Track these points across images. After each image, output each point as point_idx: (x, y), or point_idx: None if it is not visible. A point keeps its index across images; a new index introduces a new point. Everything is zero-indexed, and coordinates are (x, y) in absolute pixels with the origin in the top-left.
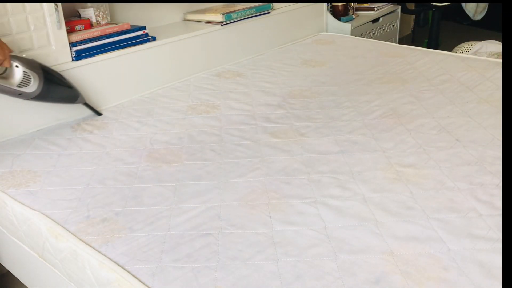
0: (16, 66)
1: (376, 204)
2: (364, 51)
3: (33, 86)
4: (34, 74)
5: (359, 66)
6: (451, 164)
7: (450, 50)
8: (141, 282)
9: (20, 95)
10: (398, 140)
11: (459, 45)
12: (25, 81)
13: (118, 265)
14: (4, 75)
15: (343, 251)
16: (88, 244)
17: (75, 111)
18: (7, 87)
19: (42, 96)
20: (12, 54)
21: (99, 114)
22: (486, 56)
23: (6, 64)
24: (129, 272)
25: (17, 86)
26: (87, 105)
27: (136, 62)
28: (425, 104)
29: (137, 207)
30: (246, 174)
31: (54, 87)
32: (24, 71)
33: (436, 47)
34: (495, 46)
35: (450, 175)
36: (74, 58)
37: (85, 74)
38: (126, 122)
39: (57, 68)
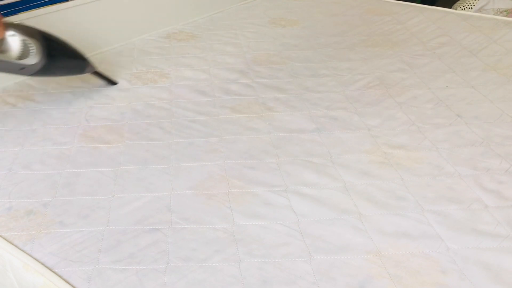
0: (12, 35)
1: (359, 193)
2: (346, 7)
3: (36, 56)
4: (35, 41)
5: (339, 26)
6: (451, 145)
7: (450, 6)
8: (74, 287)
9: (23, 69)
10: (386, 115)
11: (461, 0)
12: (25, 52)
13: (47, 267)
14: (0, 49)
15: (319, 250)
16: (10, 242)
17: None
18: (6, 61)
19: (46, 68)
20: (4, 20)
21: (114, 83)
22: (494, 14)
23: (0, 35)
24: (60, 276)
25: (17, 59)
26: (98, 73)
27: (68, 21)
28: (419, 72)
29: (70, 197)
30: (201, 157)
31: (59, 56)
32: (22, 40)
33: (432, 2)
34: (505, 1)
35: (449, 159)
36: None
37: None
38: (57, 94)
39: None
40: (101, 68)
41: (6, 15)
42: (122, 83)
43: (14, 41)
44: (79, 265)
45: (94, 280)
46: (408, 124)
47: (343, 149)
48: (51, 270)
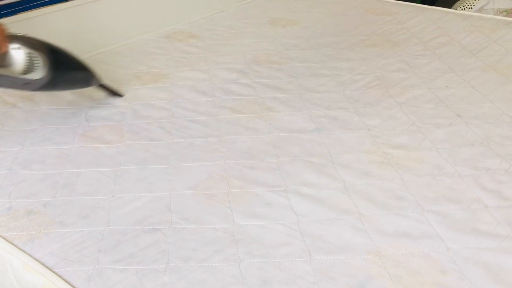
0: (17, 48)
1: (359, 193)
2: (346, 7)
3: (41, 70)
4: (41, 54)
5: (339, 26)
6: (451, 145)
7: (450, 6)
8: (74, 287)
9: (27, 84)
10: (386, 115)
11: (461, 0)
12: (30, 66)
13: (47, 267)
14: (3, 63)
15: (319, 250)
16: (10, 242)
17: None
18: (10, 76)
19: (51, 82)
20: (8, 33)
21: (119, 95)
22: (494, 14)
23: (3, 48)
24: (60, 276)
25: (22, 73)
26: (104, 86)
27: (67, 21)
28: (419, 72)
29: (70, 197)
30: (201, 157)
31: (65, 69)
32: (28, 53)
33: (432, 2)
34: (505, 1)
35: (449, 159)
36: None
37: None
38: (56, 94)
39: None
40: (101, 66)
41: (6, 15)
42: (120, 84)
43: (19, 55)
44: (79, 265)
45: (94, 280)
46: (408, 124)
47: (343, 149)
48: (51, 270)
